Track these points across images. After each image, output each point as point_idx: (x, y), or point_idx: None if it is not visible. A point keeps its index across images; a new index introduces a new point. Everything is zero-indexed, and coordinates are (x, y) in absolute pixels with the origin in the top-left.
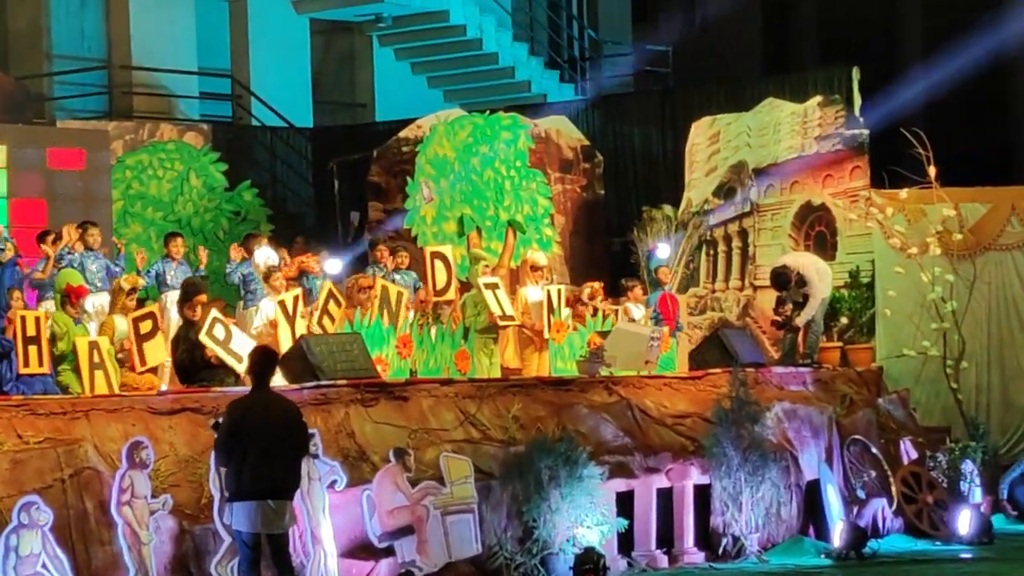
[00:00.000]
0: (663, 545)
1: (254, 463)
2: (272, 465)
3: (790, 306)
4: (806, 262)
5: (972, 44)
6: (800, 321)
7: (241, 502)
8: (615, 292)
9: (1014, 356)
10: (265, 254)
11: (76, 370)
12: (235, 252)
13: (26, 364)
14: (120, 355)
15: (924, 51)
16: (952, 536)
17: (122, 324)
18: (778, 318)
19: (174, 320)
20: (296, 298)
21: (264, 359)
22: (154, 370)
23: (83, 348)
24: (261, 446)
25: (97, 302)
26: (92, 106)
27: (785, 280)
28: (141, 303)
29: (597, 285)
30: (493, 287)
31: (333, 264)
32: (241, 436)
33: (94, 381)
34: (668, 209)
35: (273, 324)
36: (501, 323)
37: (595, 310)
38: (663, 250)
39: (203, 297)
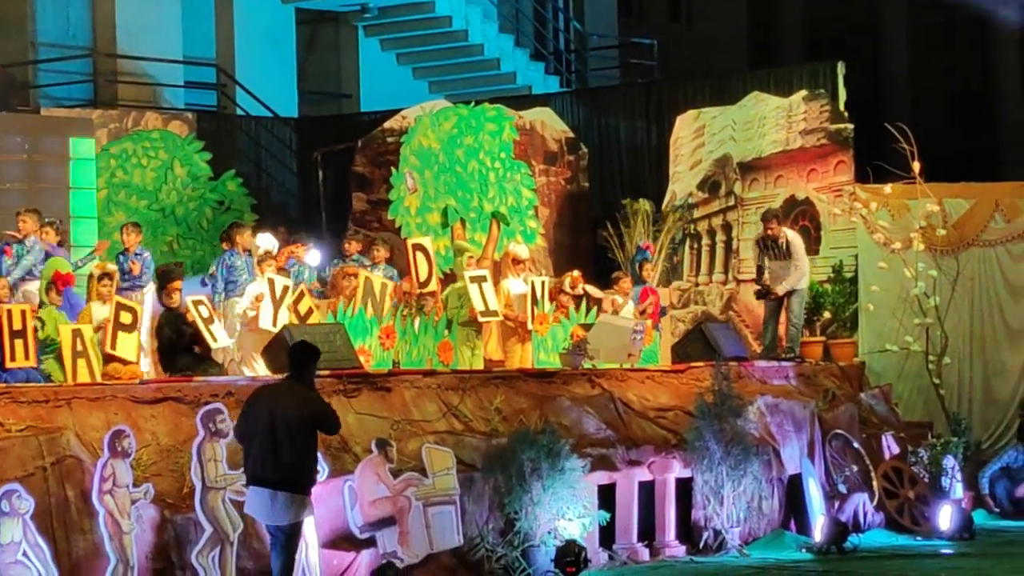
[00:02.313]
0: (644, 538)
1: (258, 452)
2: (277, 456)
3: (767, 276)
4: (797, 237)
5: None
6: (781, 290)
7: (249, 487)
8: (599, 283)
9: (996, 352)
10: (266, 240)
11: (59, 358)
12: (226, 244)
13: (12, 358)
14: (98, 333)
15: (910, 47)
16: (933, 531)
17: (99, 311)
18: (758, 287)
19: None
20: (286, 287)
21: (302, 352)
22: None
23: (66, 336)
24: (269, 436)
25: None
26: (77, 94)
27: (773, 240)
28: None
29: (576, 273)
30: (480, 280)
31: (313, 256)
32: (250, 422)
33: (77, 369)
34: (644, 203)
35: (259, 299)
36: (482, 319)
37: (578, 297)
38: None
39: (178, 284)
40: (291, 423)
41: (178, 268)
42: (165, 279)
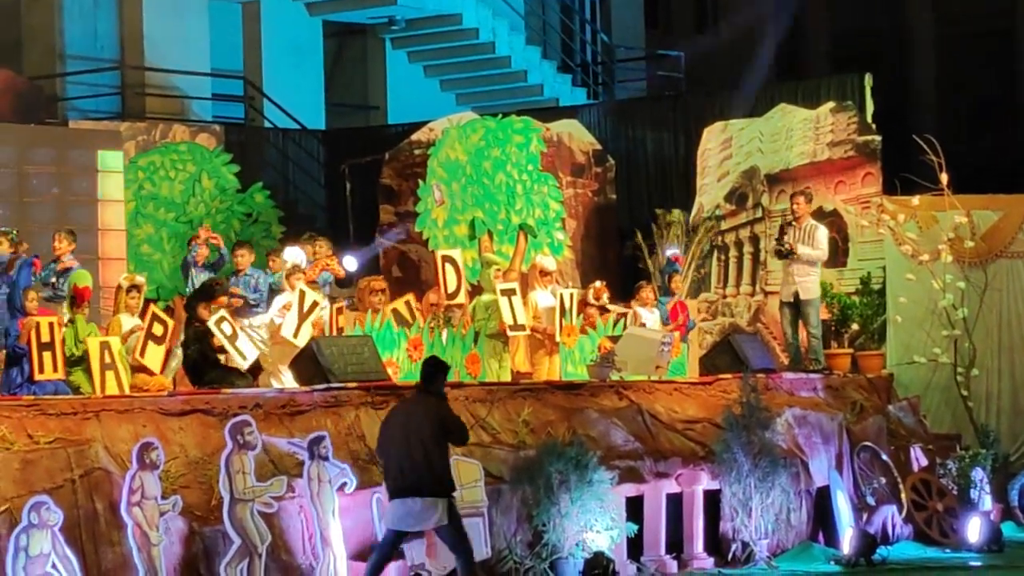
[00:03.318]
0: (673, 550)
1: (395, 464)
2: (414, 465)
3: (791, 237)
4: (823, 228)
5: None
6: (800, 252)
7: (391, 500)
8: (625, 296)
9: None
10: (294, 253)
11: (87, 371)
12: (273, 263)
13: (40, 371)
14: (127, 343)
15: (937, 59)
16: (962, 544)
17: (128, 322)
18: (780, 247)
19: None
20: (315, 303)
21: (427, 366)
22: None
23: (94, 348)
24: (399, 447)
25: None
26: (105, 107)
27: (795, 219)
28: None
29: (600, 284)
30: (510, 293)
31: (350, 261)
32: (386, 436)
33: (105, 382)
34: (676, 213)
35: (287, 307)
36: (511, 332)
37: (603, 310)
38: (671, 250)
39: (223, 300)
40: (423, 432)
41: (222, 285)
42: (216, 293)
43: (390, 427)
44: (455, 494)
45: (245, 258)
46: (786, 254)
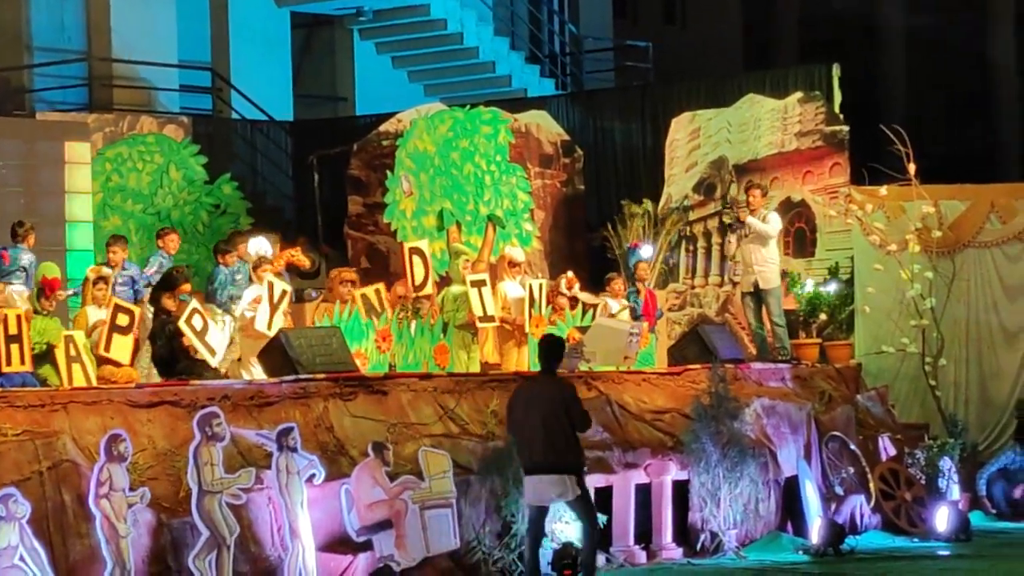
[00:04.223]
0: (641, 541)
1: (520, 441)
2: (535, 443)
3: (737, 258)
4: (776, 216)
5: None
6: (750, 222)
7: (526, 477)
8: (595, 287)
9: (992, 353)
10: (259, 244)
11: (54, 363)
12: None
13: (8, 363)
14: (92, 335)
15: (906, 48)
16: (930, 533)
17: (95, 315)
18: (729, 220)
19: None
20: (284, 292)
21: (549, 346)
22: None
23: (60, 341)
24: (526, 425)
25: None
26: (72, 98)
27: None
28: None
29: (571, 275)
30: (480, 284)
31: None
32: (514, 416)
33: (71, 374)
34: (647, 204)
35: (257, 301)
36: (480, 324)
37: (574, 300)
38: (646, 249)
39: (187, 287)
40: (547, 411)
41: (188, 271)
42: (171, 283)
43: (517, 407)
44: (584, 468)
45: (118, 255)
46: (735, 225)
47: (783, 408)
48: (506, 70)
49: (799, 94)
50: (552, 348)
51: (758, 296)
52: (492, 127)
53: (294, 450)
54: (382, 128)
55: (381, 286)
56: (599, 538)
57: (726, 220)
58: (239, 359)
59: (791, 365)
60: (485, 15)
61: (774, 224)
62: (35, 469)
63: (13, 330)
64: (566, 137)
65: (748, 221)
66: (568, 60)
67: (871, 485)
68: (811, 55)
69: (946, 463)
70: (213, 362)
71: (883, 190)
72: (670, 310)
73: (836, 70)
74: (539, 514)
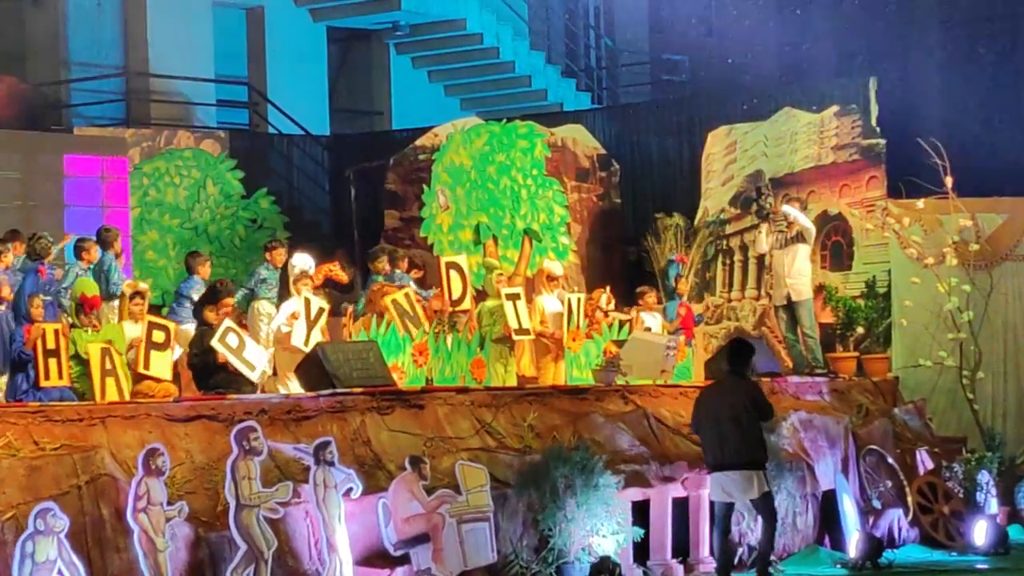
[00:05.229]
0: (679, 555)
1: (712, 441)
2: (722, 441)
3: (770, 198)
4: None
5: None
6: (785, 209)
7: (711, 475)
8: (630, 301)
9: None
10: (304, 260)
11: (88, 377)
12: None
13: (47, 377)
14: (130, 353)
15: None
16: (968, 547)
17: (131, 330)
18: (760, 204)
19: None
20: (321, 308)
21: (736, 349)
22: (176, 376)
23: (95, 355)
24: (717, 425)
25: None
26: (109, 113)
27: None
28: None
29: (605, 291)
30: (515, 298)
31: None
32: (700, 415)
33: (105, 388)
34: (677, 217)
35: (295, 316)
36: (516, 337)
37: (606, 313)
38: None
39: (230, 301)
40: (736, 410)
41: (229, 286)
42: (220, 295)
43: (703, 407)
44: (767, 465)
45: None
46: (766, 212)
47: (820, 422)
48: (542, 84)
49: (835, 107)
50: (740, 351)
51: (791, 308)
52: (528, 141)
53: (331, 464)
54: (418, 142)
55: (409, 289)
56: (774, 541)
57: (757, 206)
58: (275, 373)
59: (828, 379)
60: (521, 29)
61: (808, 231)
62: (73, 483)
63: (51, 344)
64: (602, 151)
65: (785, 209)
66: (604, 74)
67: (909, 499)
68: (847, 68)
69: (984, 476)
70: (254, 377)
71: (920, 203)
72: (706, 324)
73: (873, 83)
74: (726, 510)
